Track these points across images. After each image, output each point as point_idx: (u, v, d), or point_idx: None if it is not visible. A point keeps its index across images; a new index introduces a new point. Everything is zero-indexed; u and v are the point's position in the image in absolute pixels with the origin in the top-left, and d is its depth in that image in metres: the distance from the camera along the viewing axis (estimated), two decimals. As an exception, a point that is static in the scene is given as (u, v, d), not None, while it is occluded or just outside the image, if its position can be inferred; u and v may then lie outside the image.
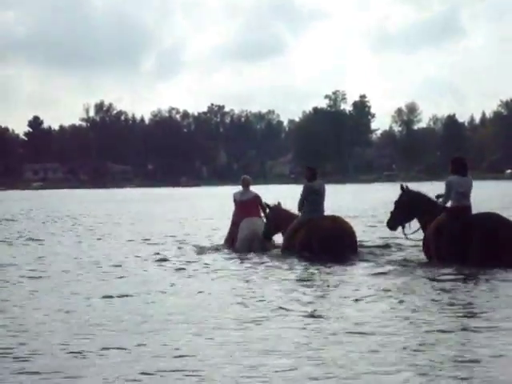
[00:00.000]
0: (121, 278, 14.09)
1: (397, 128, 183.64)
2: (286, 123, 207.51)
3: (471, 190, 14.68)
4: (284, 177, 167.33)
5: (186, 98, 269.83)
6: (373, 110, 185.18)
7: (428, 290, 11.57)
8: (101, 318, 9.99)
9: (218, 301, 11.17)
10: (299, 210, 17.15)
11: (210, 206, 45.62)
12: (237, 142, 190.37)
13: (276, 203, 18.30)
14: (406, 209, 15.49)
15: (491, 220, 14.34)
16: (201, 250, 18.61)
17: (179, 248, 19.49)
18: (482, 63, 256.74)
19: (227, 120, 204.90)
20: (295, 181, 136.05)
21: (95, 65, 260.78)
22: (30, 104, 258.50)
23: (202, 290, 12.16)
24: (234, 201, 18.96)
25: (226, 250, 18.39)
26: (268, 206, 18.38)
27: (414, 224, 15.59)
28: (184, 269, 15.11)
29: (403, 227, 15.67)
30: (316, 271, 14.16)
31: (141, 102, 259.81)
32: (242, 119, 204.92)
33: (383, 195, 42.30)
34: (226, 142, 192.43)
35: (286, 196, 19.13)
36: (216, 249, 18.86)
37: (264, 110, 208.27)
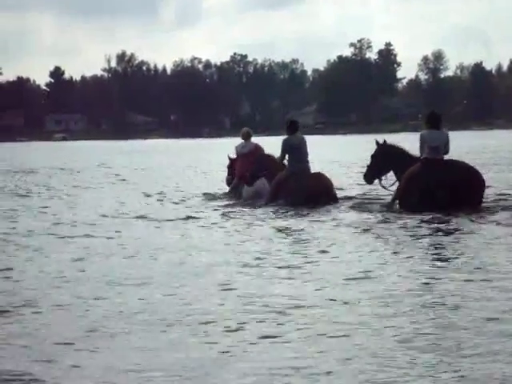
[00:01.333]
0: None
1: (423, 77, 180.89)
2: (309, 72, 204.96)
3: (445, 143, 15.28)
4: (308, 127, 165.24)
5: (208, 47, 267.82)
6: (399, 59, 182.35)
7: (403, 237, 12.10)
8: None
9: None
10: (280, 163, 17.56)
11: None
12: (260, 92, 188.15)
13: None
14: (381, 162, 16.25)
15: (461, 169, 15.31)
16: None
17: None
18: (510, 9, 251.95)
19: (250, 70, 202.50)
20: (320, 131, 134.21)
21: (116, 13, 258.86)
22: (50, 54, 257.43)
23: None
24: (236, 153, 19.04)
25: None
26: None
27: (392, 177, 16.27)
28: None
29: (380, 180, 16.48)
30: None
31: (162, 51, 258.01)
32: (265, 69, 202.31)
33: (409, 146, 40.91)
34: (248, 93, 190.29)
35: (310, 146, 17.92)
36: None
37: (287, 59, 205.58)
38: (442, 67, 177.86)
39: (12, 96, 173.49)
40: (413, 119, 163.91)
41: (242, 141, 19.14)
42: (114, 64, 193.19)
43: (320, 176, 17.38)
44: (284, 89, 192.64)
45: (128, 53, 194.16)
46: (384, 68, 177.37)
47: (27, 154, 71.62)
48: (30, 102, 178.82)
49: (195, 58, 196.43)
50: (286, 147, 17.30)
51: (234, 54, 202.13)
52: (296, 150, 17.24)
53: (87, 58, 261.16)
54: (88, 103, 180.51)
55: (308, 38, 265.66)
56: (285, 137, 17.52)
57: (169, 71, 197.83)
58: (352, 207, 16.25)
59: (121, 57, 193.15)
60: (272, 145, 18.02)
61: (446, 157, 15.49)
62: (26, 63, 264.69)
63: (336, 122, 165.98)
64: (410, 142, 19.46)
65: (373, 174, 16.60)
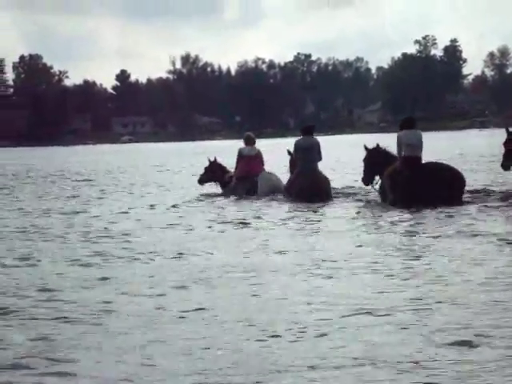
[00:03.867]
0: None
1: (489, 73, 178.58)
2: (374, 70, 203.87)
3: (420, 142, 16.75)
4: (373, 126, 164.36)
5: (272, 47, 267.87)
6: (464, 55, 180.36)
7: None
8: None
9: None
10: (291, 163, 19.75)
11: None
12: (324, 91, 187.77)
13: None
14: (370, 165, 17.73)
15: (438, 167, 16.95)
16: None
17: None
18: None
19: (314, 69, 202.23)
20: (385, 129, 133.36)
21: (179, 14, 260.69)
22: (116, 57, 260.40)
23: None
24: (240, 155, 20.51)
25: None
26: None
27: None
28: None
29: (374, 181, 17.95)
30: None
31: (225, 51, 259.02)
32: (329, 67, 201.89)
33: (477, 142, 40.78)
34: (312, 92, 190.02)
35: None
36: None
37: (352, 58, 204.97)
38: (508, 63, 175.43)
39: (79, 100, 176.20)
40: (479, 116, 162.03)
41: (244, 145, 20.85)
42: (178, 66, 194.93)
43: (319, 176, 18.81)
44: (348, 87, 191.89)
45: (192, 54, 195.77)
46: (449, 65, 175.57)
47: (100, 156, 72.63)
48: (97, 105, 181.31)
49: (259, 59, 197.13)
50: (296, 148, 19.12)
51: (298, 53, 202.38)
52: (305, 152, 18.82)
53: (152, 61, 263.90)
54: (154, 105, 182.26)
55: (372, 36, 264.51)
56: (296, 139, 19.47)
57: (233, 72, 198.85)
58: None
59: (185, 58, 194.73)
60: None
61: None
62: (92, 67, 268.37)
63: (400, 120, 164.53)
64: (480, 137, 19.53)
65: (368, 176, 18.01)
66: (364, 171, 18.10)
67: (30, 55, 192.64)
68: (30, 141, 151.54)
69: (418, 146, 16.75)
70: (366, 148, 18.03)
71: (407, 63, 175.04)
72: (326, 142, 19.78)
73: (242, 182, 20.43)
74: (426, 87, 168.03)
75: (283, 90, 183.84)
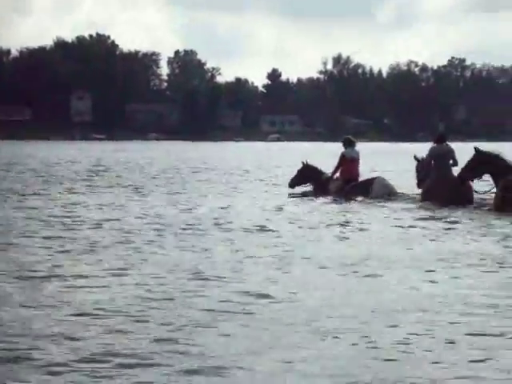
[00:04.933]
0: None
1: None
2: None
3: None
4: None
5: (425, 51, 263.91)
6: None
7: None
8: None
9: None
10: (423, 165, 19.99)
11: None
12: (477, 97, 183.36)
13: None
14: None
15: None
16: None
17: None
18: None
19: (468, 74, 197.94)
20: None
21: (333, 16, 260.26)
22: (268, 56, 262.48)
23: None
24: (343, 158, 20.97)
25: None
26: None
27: None
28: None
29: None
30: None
31: (378, 53, 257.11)
32: (484, 73, 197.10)
33: None
34: (465, 97, 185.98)
35: None
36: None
37: (507, 64, 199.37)
38: None
39: (230, 97, 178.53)
40: None
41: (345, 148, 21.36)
42: (329, 66, 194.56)
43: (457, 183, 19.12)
44: (503, 94, 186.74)
45: (344, 55, 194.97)
46: None
47: (244, 153, 73.40)
48: (247, 103, 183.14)
49: (412, 62, 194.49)
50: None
51: (452, 57, 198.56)
52: (440, 159, 19.46)
53: (304, 61, 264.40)
54: (303, 105, 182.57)
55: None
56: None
57: (384, 74, 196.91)
58: None
59: (337, 59, 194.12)
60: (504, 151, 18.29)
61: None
62: (244, 65, 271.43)
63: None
64: None
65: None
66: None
67: (185, 51, 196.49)
68: (181, 135, 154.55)
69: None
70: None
71: None
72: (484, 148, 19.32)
73: (351, 184, 20.78)
74: None
75: (435, 94, 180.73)
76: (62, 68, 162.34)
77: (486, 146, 19.16)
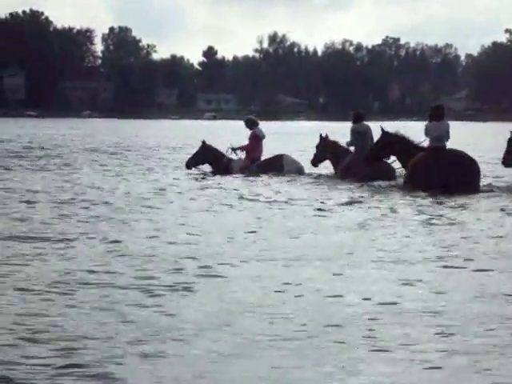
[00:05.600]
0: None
1: None
2: (463, 58, 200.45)
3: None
4: (459, 113, 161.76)
5: (360, 30, 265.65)
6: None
7: None
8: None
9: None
10: (348, 146, 20.34)
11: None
12: (411, 76, 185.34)
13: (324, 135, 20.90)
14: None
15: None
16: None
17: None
18: None
19: (402, 53, 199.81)
20: (471, 118, 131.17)
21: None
22: (204, 34, 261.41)
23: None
24: (256, 137, 21.22)
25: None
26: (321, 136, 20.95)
27: None
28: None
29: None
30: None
31: (314, 33, 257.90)
32: (418, 53, 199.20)
33: None
34: (399, 76, 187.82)
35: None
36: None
37: (441, 44, 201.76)
38: None
39: (166, 74, 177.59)
40: None
41: (253, 128, 21.53)
42: (265, 45, 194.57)
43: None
44: (436, 73, 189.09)
45: (280, 34, 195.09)
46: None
47: (177, 131, 73.18)
48: (184, 80, 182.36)
49: (346, 41, 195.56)
50: (352, 133, 20.14)
51: (386, 37, 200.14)
52: (360, 137, 19.93)
53: (240, 39, 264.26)
54: (239, 83, 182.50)
55: (462, 23, 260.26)
56: (352, 125, 20.31)
57: (320, 53, 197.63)
58: None
59: (272, 38, 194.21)
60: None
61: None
62: (180, 42, 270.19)
63: (487, 109, 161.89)
64: None
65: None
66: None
67: (120, 27, 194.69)
68: (115, 112, 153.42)
69: (444, 137, 17.54)
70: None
71: (497, 52, 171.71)
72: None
73: (257, 163, 21.22)
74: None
75: (369, 74, 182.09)
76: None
77: (421, 126, 19.17)
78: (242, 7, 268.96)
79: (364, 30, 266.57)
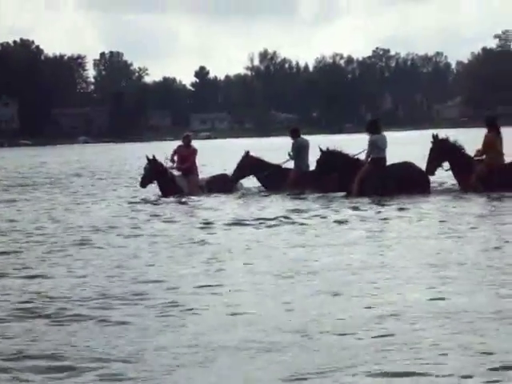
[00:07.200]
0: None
1: None
2: (453, 65, 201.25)
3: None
4: (453, 120, 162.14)
5: (350, 43, 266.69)
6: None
7: None
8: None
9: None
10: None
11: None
12: (402, 86, 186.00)
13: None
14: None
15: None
16: None
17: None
18: None
19: (392, 64, 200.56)
20: (465, 124, 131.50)
21: (256, 11, 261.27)
22: (195, 55, 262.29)
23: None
24: (178, 152, 21.70)
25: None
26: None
27: None
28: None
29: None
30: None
31: (303, 47, 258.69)
32: (408, 63, 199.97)
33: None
34: (391, 87, 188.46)
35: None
36: None
37: (431, 53, 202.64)
38: None
39: (159, 96, 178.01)
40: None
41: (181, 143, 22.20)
42: (256, 62, 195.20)
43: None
44: (427, 82, 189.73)
45: (270, 51, 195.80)
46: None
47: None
48: (177, 101, 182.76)
49: (337, 54, 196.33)
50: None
51: (376, 48, 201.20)
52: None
53: (231, 58, 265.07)
54: (232, 102, 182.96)
55: (451, 31, 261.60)
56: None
57: (311, 68, 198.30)
58: None
59: (263, 55, 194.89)
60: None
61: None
62: (171, 64, 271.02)
63: (482, 116, 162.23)
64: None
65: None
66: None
67: (111, 52, 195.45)
68: (110, 137, 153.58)
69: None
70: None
71: (488, 58, 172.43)
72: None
73: (207, 179, 22.02)
74: (506, 82, 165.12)
75: (361, 85, 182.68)
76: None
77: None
78: (231, 25, 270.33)
79: (353, 42, 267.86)
